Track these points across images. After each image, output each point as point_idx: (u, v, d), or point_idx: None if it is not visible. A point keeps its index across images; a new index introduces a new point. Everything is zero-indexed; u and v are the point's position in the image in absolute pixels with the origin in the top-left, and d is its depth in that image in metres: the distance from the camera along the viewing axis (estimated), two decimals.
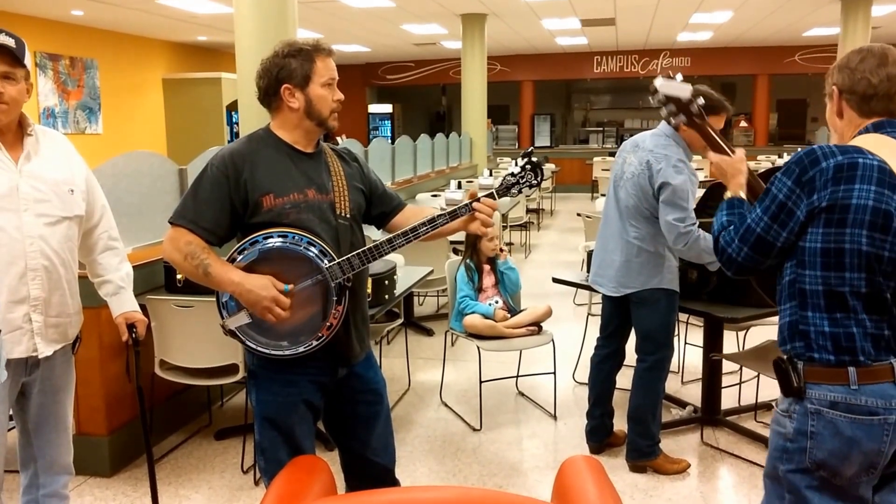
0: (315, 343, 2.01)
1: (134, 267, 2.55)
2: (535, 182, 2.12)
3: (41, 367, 2.24)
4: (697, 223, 3.03)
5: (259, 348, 2.02)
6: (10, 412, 2.26)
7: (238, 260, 1.98)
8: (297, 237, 1.97)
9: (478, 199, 2.07)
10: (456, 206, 2.07)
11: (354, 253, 2.01)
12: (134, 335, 2.46)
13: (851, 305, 1.67)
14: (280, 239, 1.97)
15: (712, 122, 3.15)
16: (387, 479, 2.26)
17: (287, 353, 2.01)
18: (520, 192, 2.15)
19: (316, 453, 2.15)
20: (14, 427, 2.36)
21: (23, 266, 2.13)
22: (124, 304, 2.46)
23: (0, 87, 2.07)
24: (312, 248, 1.98)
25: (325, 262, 1.98)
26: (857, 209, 1.65)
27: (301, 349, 2.01)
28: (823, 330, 1.69)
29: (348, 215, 2.09)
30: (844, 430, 1.66)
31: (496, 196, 2.09)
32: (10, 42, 2.06)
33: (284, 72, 2.03)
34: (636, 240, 3.19)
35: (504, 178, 2.14)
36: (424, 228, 2.05)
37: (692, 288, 3.49)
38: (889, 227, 1.65)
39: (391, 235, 2.06)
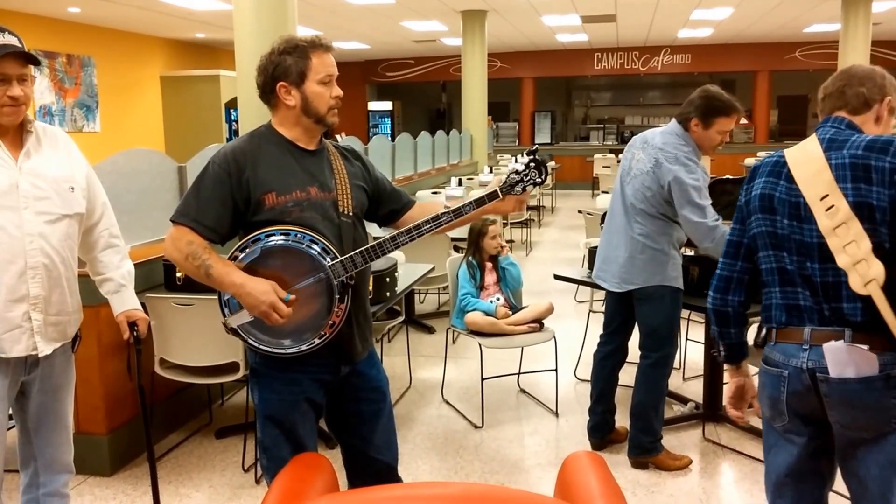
0: (318, 341, 1.99)
1: (133, 265, 2.54)
2: (540, 180, 2.09)
3: (41, 365, 2.23)
4: (720, 219, 3.00)
5: (261, 346, 2.01)
6: (10, 411, 2.25)
7: (240, 258, 1.96)
8: (299, 235, 1.96)
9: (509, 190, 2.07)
10: (463, 204, 2.05)
11: (357, 251, 1.99)
12: (135, 333, 2.44)
13: (767, 280, 1.99)
14: (282, 237, 1.96)
15: (724, 124, 3.14)
16: (389, 476, 2.25)
17: (290, 351, 2.00)
18: (524, 189, 2.11)
19: (318, 451, 2.14)
20: (14, 426, 2.35)
21: (22, 264, 2.11)
22: (125, 302, 2.44)
23: (19, 90, 2.05)
24: (315, 246, 1.96)
25: (328, 260, 1.97)
26: (755, 198, 1.99)
27: (304, 347, 2.00)
28: (762, 301, 2.04)
29: (351, 213, 2.08)
30: (761, 377, 2.04)
31: (500, 194, 2.07)
32: (15, 41, 2.04)
33: (280, 69, 2.01)
34: (641, 236, 3.18)
35: (508, 176, 2.09)
36: (428, 227, 2.04)
37: (695, 285, 3.47)
38: (773, 207, 1.94)
39: (395, 233, 2.04)
